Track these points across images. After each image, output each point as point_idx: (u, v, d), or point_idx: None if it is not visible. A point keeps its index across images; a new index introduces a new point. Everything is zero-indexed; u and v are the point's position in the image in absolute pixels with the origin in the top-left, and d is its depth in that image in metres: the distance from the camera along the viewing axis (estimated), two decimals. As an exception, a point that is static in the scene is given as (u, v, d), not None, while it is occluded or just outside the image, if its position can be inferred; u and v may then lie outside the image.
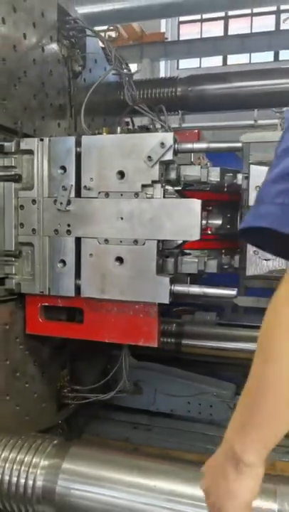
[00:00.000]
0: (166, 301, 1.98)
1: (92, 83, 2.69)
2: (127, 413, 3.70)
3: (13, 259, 2.16)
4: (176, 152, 1.95)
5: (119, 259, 2.03)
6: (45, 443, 1.84)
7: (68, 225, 2.09)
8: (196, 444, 3.36)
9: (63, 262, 2.12)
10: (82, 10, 6.33)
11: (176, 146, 1.94)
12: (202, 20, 14.26)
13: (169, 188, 2.13)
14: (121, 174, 2.00)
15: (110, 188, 2.03)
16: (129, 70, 3.31)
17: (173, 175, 2.08)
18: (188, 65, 13.46)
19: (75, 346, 2.79)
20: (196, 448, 3.28)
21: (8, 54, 2.09)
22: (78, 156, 2.08)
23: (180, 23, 14.57)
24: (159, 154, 1.92)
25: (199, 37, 13.69)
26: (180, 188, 2.24)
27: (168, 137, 1.92)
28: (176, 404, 3.65)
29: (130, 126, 3.64)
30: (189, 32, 14.16)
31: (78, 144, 2.07)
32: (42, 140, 2.11)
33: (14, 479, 1.75)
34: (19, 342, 2.28)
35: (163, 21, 13.07)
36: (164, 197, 2.00)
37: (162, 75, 10.92)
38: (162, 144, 1.91)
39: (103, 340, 2.19)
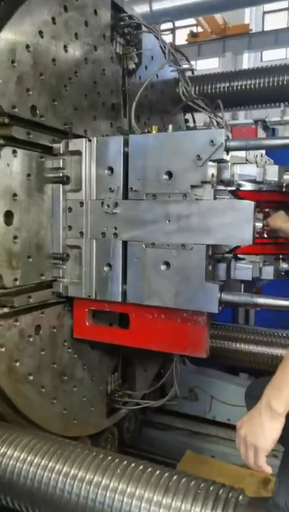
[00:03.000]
0: (215, 310, 1.84)
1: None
2: (181, 419, 3.60)
3: (61, 262, 2.14)
4: (227, 150, 1.80)
5: (166, 264, 1.93)
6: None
7: (115, 228, 2.03)
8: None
9: (110, 265, 2.06)
10: (161, 5, 6.20)
11: (227, 143, 1.79)
12: (289, 9, 13.48)
13: (221, 188, 1.99)
14: (169, 175, 1.90)
15: (158, 190, 1.93)
16: (190, 66, 3.20)
17: (226, 174, 1.94)
18: (274, 56, 12.70)
19: (128, 350, 2.75)
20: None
21: (58, 55, 2.07)
22: (126, 156, 2.01)
23: (265, 13, 13.81)
24: (209, 153, 1.79)
25: (286, 26, 12.82)
26: (234, 189, 2.08)
27: (218, 134, 1.78)
28: (233, 413, 3.48)
29: (190, 124, 3.55)
30: (276, 22, 13.26)
31: (126, 143, 2.00)
32: (90, 140, 2.07)
33: None
34: (67, 346, 2.26)
35: (247, 12, 12.52)
36: (214, 198, 1.87)
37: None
38: (212, 142, 1.78)
39: (148, 348, 2.10)
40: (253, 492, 2.79)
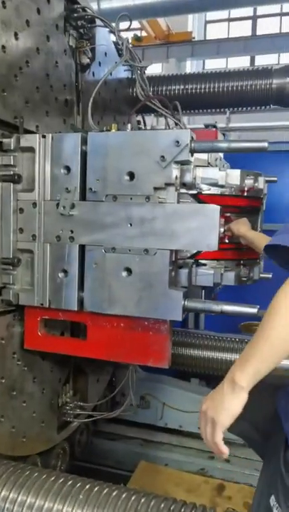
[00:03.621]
0: (179, 318, 1.77)
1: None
2: (132, 428, 3.51)
3: (12, 267, 1.97)
4: (192, 151, 1.74)
5: (128, 270, 1.83)
6: None
7: (71, 231, 1.89)
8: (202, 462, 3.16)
9: (65, 271, 1.92)
10: (109, 4, 6.08)
11: (192, 145, 1.72)
12: (229, 20, 13.92)
13: (183, 191, 1.92)
14: (130, 176, 1.80)
15: (119, 191, 1.82)
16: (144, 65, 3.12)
17: (188, 177, 1.87)
18: (215, 65, 13.05)
19: (79, 359, 2.60)
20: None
21: (9, 42, 1.90)
22: (84, 155, 1.88)
23: (207, 22, 14.18)
24: (174, 154, 1.71)
25: (226, 37, 13.23)
26: (196, 192, 2.02)
27: (183, 135, 1.71)
28: (185, 420, 3.44)
29: (142, 126, 3.48)
30: (216, 32, 13.69)
31: (84, 141, 1.88)
32: (44, 137, 1.92)
33: None
34: (16, 358, 2.08)
35: (190, 20, 12.78)
36: (178, 202, 1.79)
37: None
38: (177, 142, 1.70)
39: (107, 359, 1.98)
40: (208, 499, 2.76)
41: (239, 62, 12.51)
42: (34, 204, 1.94)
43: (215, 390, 1.23)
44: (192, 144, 1.72)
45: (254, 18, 13.86)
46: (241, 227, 2.17)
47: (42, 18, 2.13)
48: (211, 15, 13.43)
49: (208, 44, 11.38)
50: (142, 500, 1.41)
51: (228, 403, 1.15)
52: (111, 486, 1.49)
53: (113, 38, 2.80)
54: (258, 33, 13.33)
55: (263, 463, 1.55)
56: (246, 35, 12.36)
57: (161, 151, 1.73)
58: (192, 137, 1.74)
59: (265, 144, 1.63)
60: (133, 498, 1.42)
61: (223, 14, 13.32)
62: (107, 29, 2.67)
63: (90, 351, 1.99)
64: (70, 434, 2.69)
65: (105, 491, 1.45)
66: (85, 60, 2.56)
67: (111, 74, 2.73)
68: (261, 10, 13.26)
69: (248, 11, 13.16)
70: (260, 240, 2.14)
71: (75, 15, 2.42)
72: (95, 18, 2.49)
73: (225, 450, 1.22)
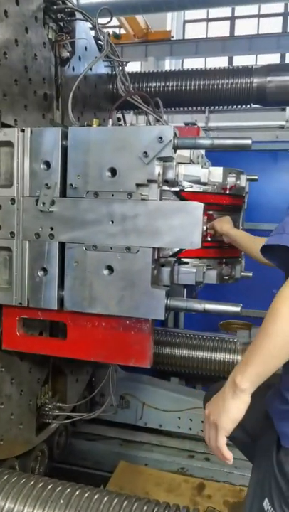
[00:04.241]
0: (162, 317, 1.74)
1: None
2: (112, 428, 3.47)
3: (-12, 265, 1.91)
4: (175, 148, 1.71)
5: (109, 269, 1.79)
6: None
7: (51, 229, 1.84)
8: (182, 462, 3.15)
9: (45, 270, 1.87)
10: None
11: (175, 141, 1.70)
12: (208, 20, 14.00)
13: (165, 188, 1.90)
14: (112, 172, 1.76)
15: (100, 187, 1.78)
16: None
17: (171, 174, 1.84)
18: (193, 65, 13.13)
19: (58, 359, 2.55)
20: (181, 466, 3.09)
21: (-14, 32, 1.84)
22: (64, 150, 1.83)
23: (185, 22, 14.25)
24: (157, 150, 1.68)
25: (205, 37, 13.31)
26: (178, 190, 2.00)
27: (166, 131, 1.68)
28: (165, 419, 3.43)
29: (122, 123, 3.44)
30: (195, 32, 13.78)
31: (65, 136, 1.83)
32: (23, 131, 1.86)
33: None
34: (-6, 359, 2.03)
35: (168, 19, 12.82)
36: (160, 199, 1.77)
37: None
38: (160, 139, 1.67)
39: (88, 359, 1.94)
40: (188, 499, 2.75)
41: (217, 62, 12.63)
42: (12, 200, 1.88)
43: (217, 394, 1.22)
44: (175, 140, 1.70)
45: (232, 19, 13.98)
46: (224, 225, 2.16)
47: (20, 9, 2.07)
48: (190, 14, 13.49)
49: (187, 43, 11.44)
50: (125, 503, 1.38)
51: (230, 407, 1.13)
52: (92, 489, 1.45)
53: (93, 33, 2.76)
54: (236, 34, 13.45)
55: (253, 464, 1.54)
56: (224, 35, 12.48)
57: (144, 147, 1.70)
58: (175, 133, 1.72)
59: (249, 141, 1.61)
60: (115, 501, 1.39)
61: (201, 14, 13.40)
62: (88, 23, 2.63)
63: (70, 351, 1.95)
64: (49, 435, 2.64)
65: (86, 495, 1.41)
66: (65, 54, 2.50)
67: (91, 69, 2.69)
68: (239, 11, 13.38)
69: (226, 12, 13.26)
70: (243, 238, 2.13)
71: (55, 7, 2.37)
72: (75, 11, 2.44)
73: (228, 455, 1.19)
